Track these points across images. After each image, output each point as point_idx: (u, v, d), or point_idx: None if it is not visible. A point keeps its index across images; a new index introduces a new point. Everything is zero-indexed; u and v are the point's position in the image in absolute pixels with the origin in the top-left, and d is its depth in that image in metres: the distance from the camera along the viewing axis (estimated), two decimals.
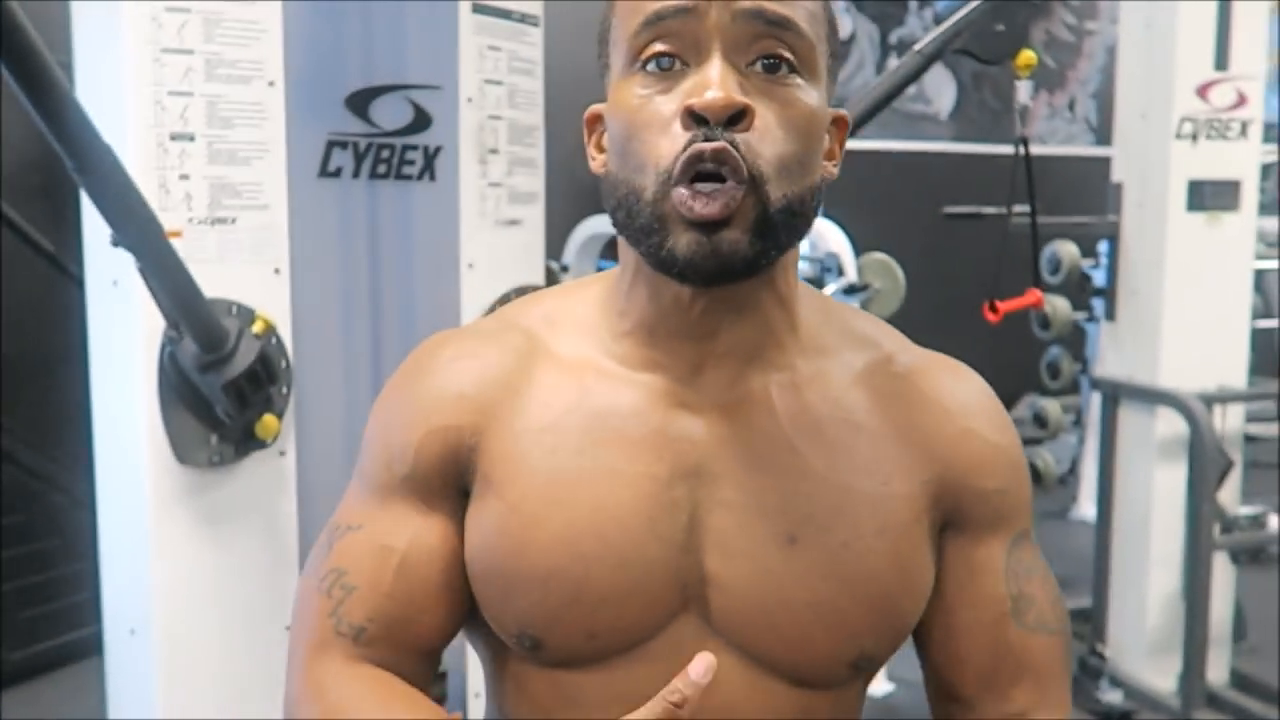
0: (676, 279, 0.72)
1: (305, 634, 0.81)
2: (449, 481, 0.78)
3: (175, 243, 1.54)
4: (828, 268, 3.27)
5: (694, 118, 0.68)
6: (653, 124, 0.70)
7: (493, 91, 1.96)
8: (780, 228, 0.70)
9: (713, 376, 0.76)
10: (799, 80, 0.72)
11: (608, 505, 0.73)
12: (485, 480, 0.76)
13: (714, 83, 0.68)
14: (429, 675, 0.82)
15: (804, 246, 4.29)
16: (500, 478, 0.75)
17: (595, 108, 0.79)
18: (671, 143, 0.69)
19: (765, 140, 0.69)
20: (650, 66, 0.71)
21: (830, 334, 0.81)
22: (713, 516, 0.74)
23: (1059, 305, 4.24)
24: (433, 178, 1.89)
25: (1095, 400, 3.38)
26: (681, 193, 0.68)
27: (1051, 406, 4.75)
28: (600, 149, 0.78)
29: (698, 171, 0.68)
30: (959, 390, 0.81)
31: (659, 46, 0.71)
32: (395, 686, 0.77)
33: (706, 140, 0.67)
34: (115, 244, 1.39)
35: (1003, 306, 2.14)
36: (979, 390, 0.83)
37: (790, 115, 0.71)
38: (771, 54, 0.70)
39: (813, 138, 0.73)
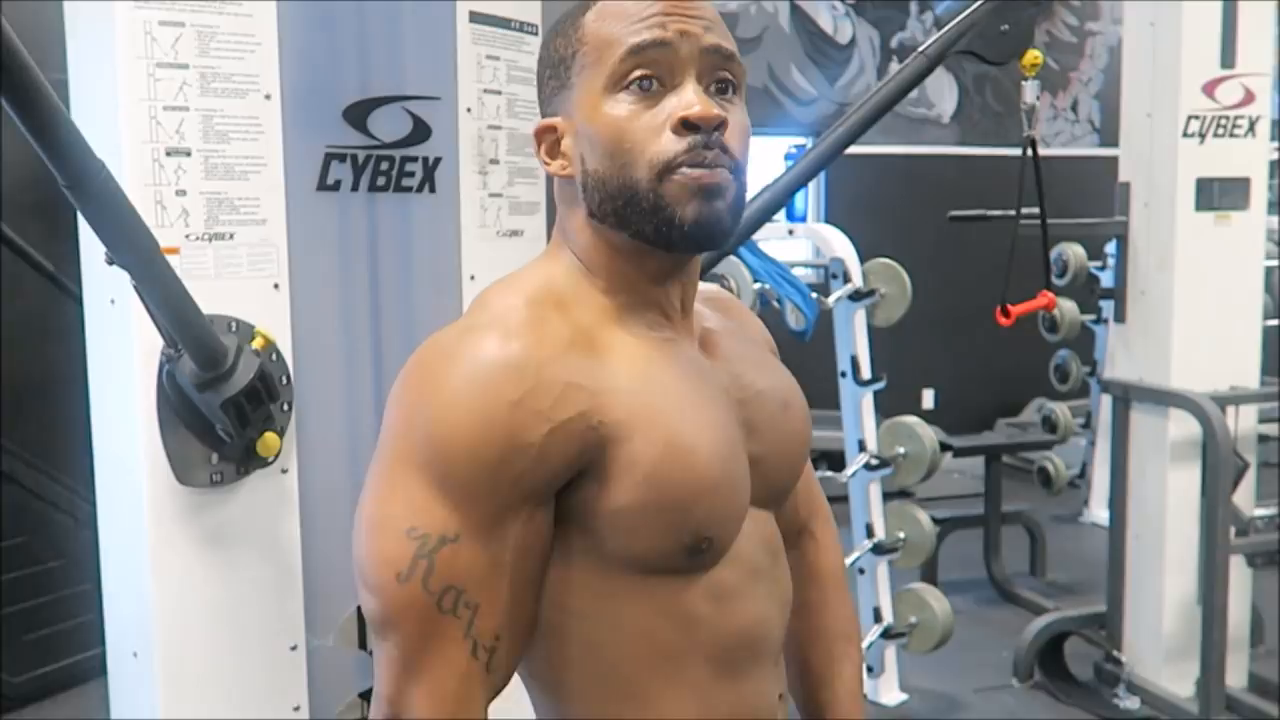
0: (678, 243, 0.89)
1: (438, 653, 0.80)
2: (567, 469, 0.84)
3: (172, 259, 1.51)
4: (833, 273, 3.24)
5: (687, 126, 0.87)
6: (644, 130, 0.89)
7: (492, 101, 1.94)
8: (741, 207, 0.92)
9: (683, 323, 0.97)
10: (737, 98, 0.93)
11: (714, 418, 0.91)
12: (623, 441, 0.85)
13: (699, 100, 0.88)
14: None
15: (809, 252, 4.27)
16: (641, 429, 0.85)
17: (548, 121, 0.95)
18: (666, 144, 0.88)
19: (736, 142, 0.90)
20: (633, 87, 0.89)
21: None
22: (744, 413, 0.97)
23: (1067, 308, 4.22)
24: (433, 189, 1.87)
25: (1105, 403, 3.35)
26: (691, 170, 0.87)
27: (1061, 410, 4.72)
28: (554, 155, 0.95)
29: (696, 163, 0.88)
30: (744, 306, 1.16)
31: (641, 71, 0.89)
32: None
33: (707, 147, 0.88)
34: (110, 262, 1.37)
35: (1015, 310, 2.11)
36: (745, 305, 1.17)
37: (743, 124, 0.92)
38: (725, 80, 0.91)
39: (749, 143, 0.94)
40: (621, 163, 0.89)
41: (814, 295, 3.10)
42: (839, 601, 1.18)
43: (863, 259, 3.25)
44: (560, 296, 0.91)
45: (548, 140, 0.95)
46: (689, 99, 0.88)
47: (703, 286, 1.07)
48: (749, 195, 0.98)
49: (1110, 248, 3.25)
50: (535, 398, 0.81)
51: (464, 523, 0.80)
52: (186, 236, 1.61)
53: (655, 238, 0.89)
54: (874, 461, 3.16)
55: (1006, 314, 2.11)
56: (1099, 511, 4.77)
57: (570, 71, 0.92)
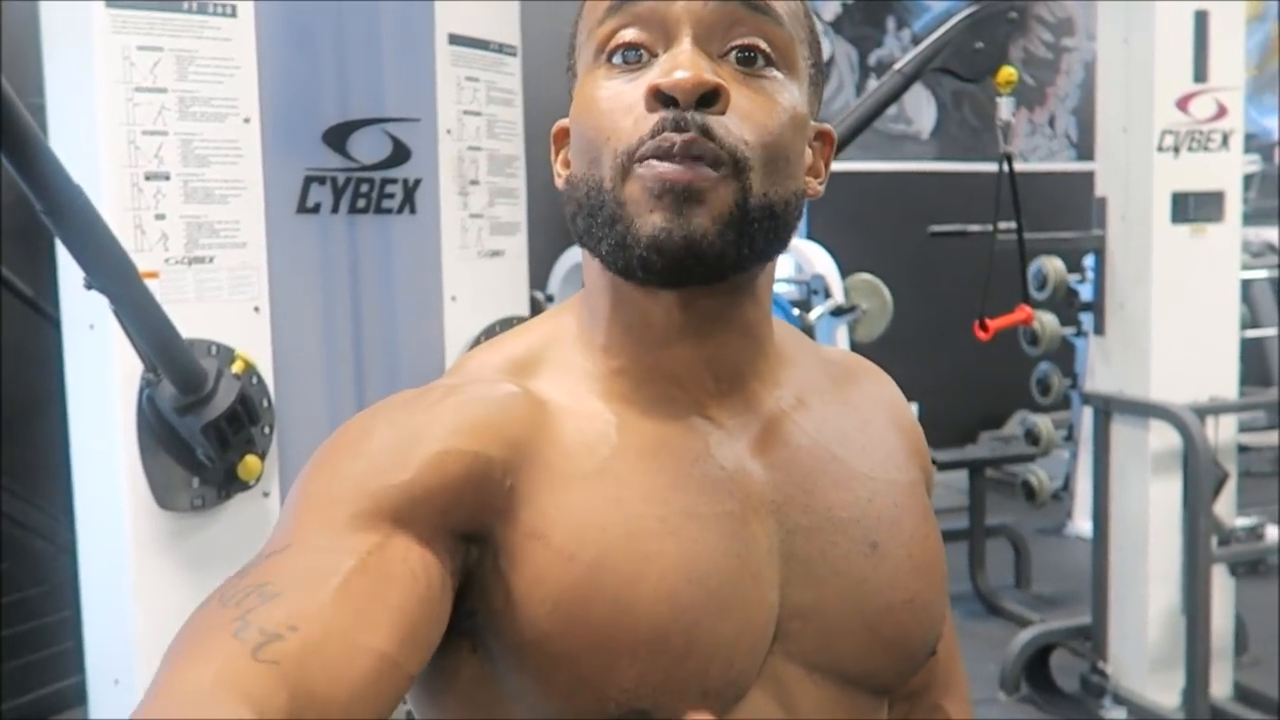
0: (640, 269, 0.64)
1: (181, 646, 0.57)
2: (450, 515, 0.61)
3: (152, 283, 1.51)
4: (814, 290, 3.26)
5: (660, 98, 0.63)
6: (616, 110, 0.65)
7: (472, 122, 1.95)
8: (758, 226, 0.65)
9: (726, 403, 0.71)
10: (777, 73, 0.67)
11: (697, 550, 0.65)
12: (533, 536, 0.63)
13: (684, 63, 0.63)
14: None
15: (789, 269, 4.27)
16: (563, 534, 0.63)
17: (562, 122, 0.73)
18: (635, 124, 0.64)
19: (746, 126, 0.64)
20: (616, 59, 0.66)
21: (782, 337, 0.78)
22: (793, 545, 0.70)
23: (1047, 321, 4.24)
24: (413, 210, 1.87)
25: (1087, 415, 3.36)
26: (650, 163, 0.63)
27: (1043, 422, 4.74)
28: (567, 165, 0.72)
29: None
30: (890, 384, 0.85)
31: (627, 34, 0.66)
32: None
33: (676, 128, 0.62)
34: (89, 287, 1.37)
35: (993, 324, 2.12)
36: (893, 383, 0.86)
37: (770, 106, 0.66)
38: (747, 45, 0.66)
39: (795, 134, 0.68)
40: (590, 158, 0.66)
41: (796, 312, 3.11)
42: None
43: (844, 275, 3.27)
44: (535, 362, 0.71)
45: (564, 148, 0.73)
46: (673, 60, 0.64)
47: (833, 351, 0.84)
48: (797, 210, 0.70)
49: (1089, 261, 3.27)
50: (442, 421, 0.63)
51: (301, 532, 0.60)
52: (166, 260, 1.61)
53: (611, 260, 0.66)
54: None
55: (985, 328, 2.13)
56: (1082, 524, 4.78)
57: (575, 56, 0.72)
